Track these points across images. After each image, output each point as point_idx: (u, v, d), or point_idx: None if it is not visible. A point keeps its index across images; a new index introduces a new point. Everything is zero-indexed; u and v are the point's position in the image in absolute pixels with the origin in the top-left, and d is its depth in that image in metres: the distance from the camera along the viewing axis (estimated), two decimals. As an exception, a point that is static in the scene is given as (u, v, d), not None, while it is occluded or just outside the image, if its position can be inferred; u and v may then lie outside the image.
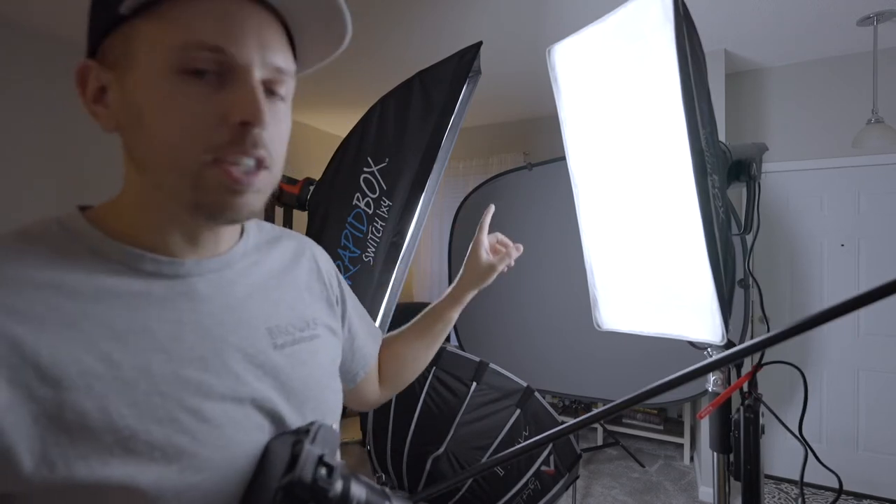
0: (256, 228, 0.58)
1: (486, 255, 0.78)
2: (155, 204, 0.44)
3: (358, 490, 0.43)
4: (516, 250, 0.80)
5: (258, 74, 0.42)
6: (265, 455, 0.43)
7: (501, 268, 0.79)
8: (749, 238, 0.82)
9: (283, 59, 0.45)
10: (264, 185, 0.44)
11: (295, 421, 0.48)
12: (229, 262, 0.49)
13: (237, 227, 0.53)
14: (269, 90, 0.44)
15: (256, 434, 0.45)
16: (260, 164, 0.43)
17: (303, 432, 0.44)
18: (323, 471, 0.40)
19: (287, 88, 0.46)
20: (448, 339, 4.06)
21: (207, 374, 0.43)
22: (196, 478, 0.40)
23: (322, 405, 0.53)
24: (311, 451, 0.41)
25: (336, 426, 0.55)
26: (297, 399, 0.49)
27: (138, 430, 0.38)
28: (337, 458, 0.45)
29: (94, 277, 0.41)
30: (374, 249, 1.85)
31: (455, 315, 0.81)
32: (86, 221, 0.44)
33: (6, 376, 0.35)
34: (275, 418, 0.47)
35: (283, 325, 0.51)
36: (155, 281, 0.43)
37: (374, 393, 0.77)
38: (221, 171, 0.41)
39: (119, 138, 0.45)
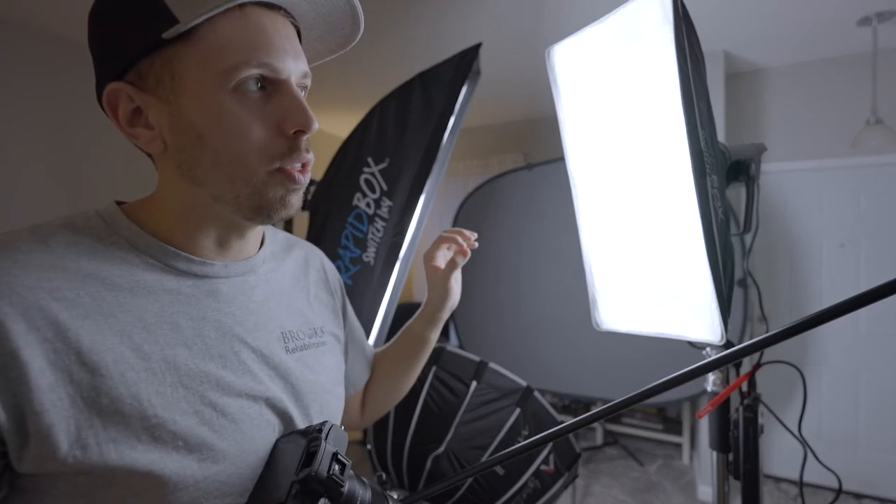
0: (272, 236, 0.60)
1: (434, 265, 0.75)
2: (203, 212, 0.46)
3: (362, 491, 0.44)
4: (463, 237, 0.74)
5: (294, 82, 0.45)
6: (277, 451, 0.46)
7: (451, 270, 0.74)
8: (748, 238, 0.82)
9: (304, 63, 0.47)
10: (306, 182, 0.48)
11: (301, 422, 0.50)
12: (252, 268, 0.52)
13: (259, 235, 0.55)
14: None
15: (267, 431, 0.46)
16: (306, 165, 0.47)
17: (315, 430, 0.46)
18: (336, 467, 0.42)
19: (307, 89, 0.48)
20: (448, 339, 4.05)
21: (226, 371, 0.45)
22: (213, 469, 0.42)
23: (326, 409, 0.55)
24: (327, 447, 0.43)
25: None
26: (304, 401, 0.51)
27: (165, 420, 0.40)
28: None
29: (132, 271, 0.43)
30: (374, 249, 1.86)
31: (433, 336, 0.76)
32: (124, 216, 0.45)
33: (50, 359, 0.36)
34: (284, 418, 0.48)
35: (294, 331, 0.54)
36: (185, 279, 0.46)
37: (355, 415, 0.76)
38: (284, 176, 0.45)
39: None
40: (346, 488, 0.42)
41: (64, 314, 0.38)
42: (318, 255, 0.67)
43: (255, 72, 0.42)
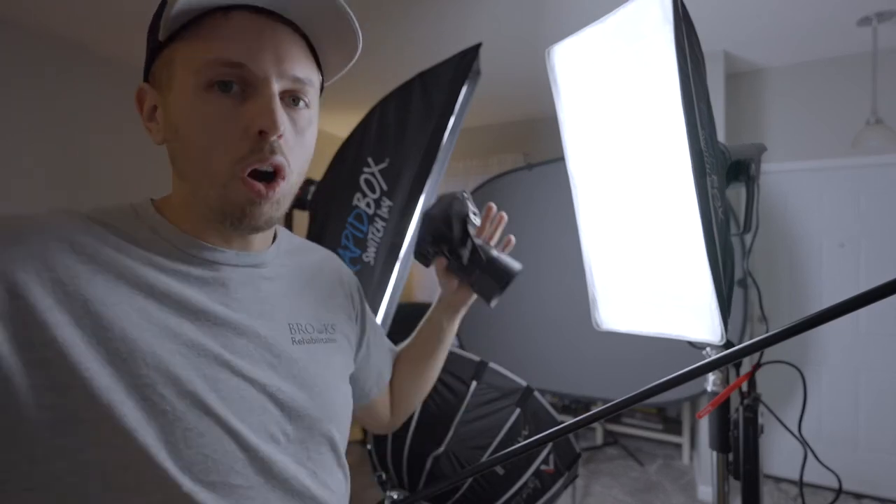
0: (287, 238, 0.62)
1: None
2: (194, 208, 0.48)
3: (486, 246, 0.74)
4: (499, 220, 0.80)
5: (276, 86, 0.45)
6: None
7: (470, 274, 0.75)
8: (748, 238, 0.82)
9: (302, 69, 0.47)
10: (283, 195, 0.48)
11: (303, 406, 0.50)
12: (263, 261, 0.53)
13: (269, 233, 0.56)
14: (293, 99, 0.47)
15: (264, 417, 0.47)
16: (277, 173, 0.46)
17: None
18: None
19: (311, 96, 0.49)
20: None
21: (226, 351, 0.46)
22: (197, 441, 0.41)
23: (329, 402, 0.55)
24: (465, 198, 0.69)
25: (343, 431, 0.57)
26: (309, 391, 0.52)
27: (157, 381, 0.40)
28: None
29: (150, 250, 0.45)
30: (374, 249, 1.86)
31: (448, 324, 0.79)
32: (152, 207, 0.49)
33: (59, 300, 0.38)
34: (283, 405, 0.49)
35: (303, 325, 0.55)
36: (196, 266, 0.47)
37: (386, 415, 0.78)
38: (244, 184, 0.45)
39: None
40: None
41: (80, 266, 0.40)
42: (334, 260, 0.69)
43: (227, 69, 0.43)
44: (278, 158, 0.45)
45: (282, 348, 0.50)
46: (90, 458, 0.38)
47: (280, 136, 0.45)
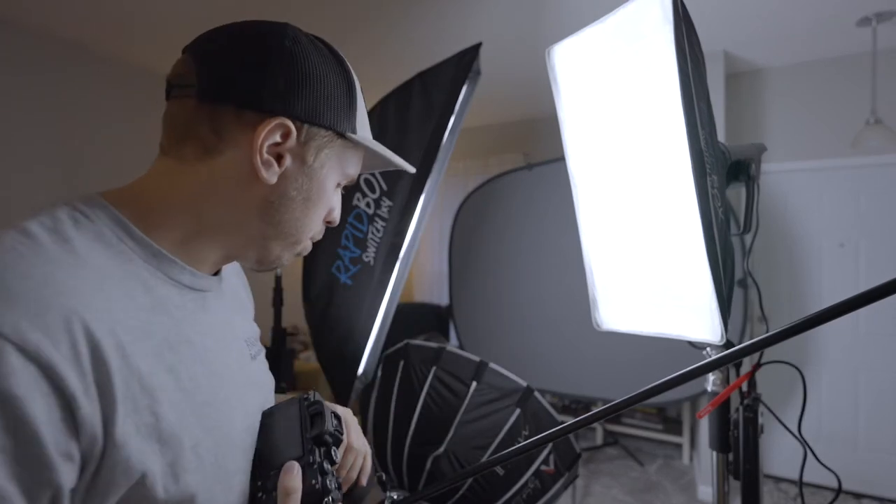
0: None
1: None
2: (239, 241, 0.50)
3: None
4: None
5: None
6: (266, 424, 0.53)
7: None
8: (748, 238, 0.82)
9: None
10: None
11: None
12: (221, 280, 0.54)
13: None
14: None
15: (246, 419, 0.51)
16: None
17: (305, 398, 0.55)
18: (335, 422, 0.53)
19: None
20: (448, 339, 4.03)
21: (224, 382, 0.48)
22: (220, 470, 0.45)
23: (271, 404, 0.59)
24: (329, 407, 0.54)
25: None
26: (265, 399, 0.56)
27: (201, 440, 0.42)
28: None
29: (152, 288, 0.43)
30: (374, 249, 1.85)
31: None
32: (139, 231, 0.45)
33: (121, 389, 0.37)
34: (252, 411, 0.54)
35: (250, 338, 0.58)
36: (187, 293, 0.47)
37: None
38: (308, 248, 0.55)
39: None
40: (344, 436, 0.54)
41: (123, 335, 0.38)
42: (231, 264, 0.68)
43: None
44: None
45: (248, 367, 0.55)
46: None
47: None
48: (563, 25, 2.38)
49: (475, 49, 1.79)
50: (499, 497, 1.18)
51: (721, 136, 2.53)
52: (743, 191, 0.76)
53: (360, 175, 0.61)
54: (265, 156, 0.45)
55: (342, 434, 0.52)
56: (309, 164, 0.48)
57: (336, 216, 0.55)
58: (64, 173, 2.57)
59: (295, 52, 0.45)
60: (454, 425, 1.21)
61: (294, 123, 0.46)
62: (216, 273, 0.53)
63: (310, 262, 2.05)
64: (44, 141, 2.50)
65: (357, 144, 0.52)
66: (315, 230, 0.53)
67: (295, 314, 2.87)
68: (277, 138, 0.45)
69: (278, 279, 2.55)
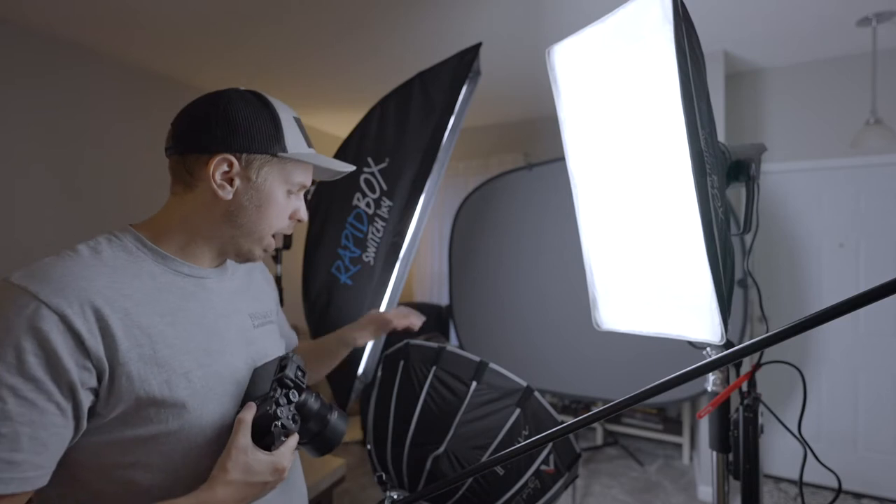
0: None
1: (391, 324, 1.16)
2: (219, 242, 0.71)
3: (313, 398, 0.70)
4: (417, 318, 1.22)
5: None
6: (256, 373, 0.71)
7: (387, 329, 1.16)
8: (748, 238, 0.82)
9: None
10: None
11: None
12: (224, 271, 0.76)
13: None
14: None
15: (245, 363, 0.72)
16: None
17: (284, 357, 0.70)
18: (300, 373, 0.69)
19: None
20: (448, 339, 4.03)
21: (223, 337, 0.69)
22: (209, 393, 0.65)
23: None
24: (294, 359, 0.70)
25: None
26: (265, 354, 0.76)
27: (192, 370, 0.63)
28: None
29: (158, 276, 0.66)
30: (374, 249, 1.85)
31: (345, 351, 1.09)
32: (151, 243, 0.67)
33: (126, 332, 0.58)
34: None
35: (256, 313, 0.79)
36: (188, 280, 0.69)
37: None
38: (271, 244, 0.74)
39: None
40: (304, 385, 0.69)
41: (128, 303, 0.60)
42: (257, 265, 0.90)
43: (302, 188, 0.75)
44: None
45: (250, 333, 0.76)
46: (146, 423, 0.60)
47: None
48: (563, 25, 2.38)
49: (475, 49, 1.79)
50: (499, 497, 1.18)
51: (721, 136, 2.53)
52: (743, 191, 0.76)
53: (319, 180, 0.68)
54: (219, 181, 0.66)
55: (303, 383, 0.69)
56: (254, 181, 0.68)
57: (302, 215, 0.75)
58: (63, 173, 2.57)
59: (227, 109, 0.66)
60: (454, 425, 1.21)
61: (234, 156, 0.66)
62: (219, 266, 0.75)
63: (310, 262, 2.05)
64: (43, 141, 2.50)
65: (290, 160, 0.70)
66: (277, 227, 0.72)
67: (295, 314, 2.87)
68: (225, 167, 0.66)
69: (278, 279, 2.54)
